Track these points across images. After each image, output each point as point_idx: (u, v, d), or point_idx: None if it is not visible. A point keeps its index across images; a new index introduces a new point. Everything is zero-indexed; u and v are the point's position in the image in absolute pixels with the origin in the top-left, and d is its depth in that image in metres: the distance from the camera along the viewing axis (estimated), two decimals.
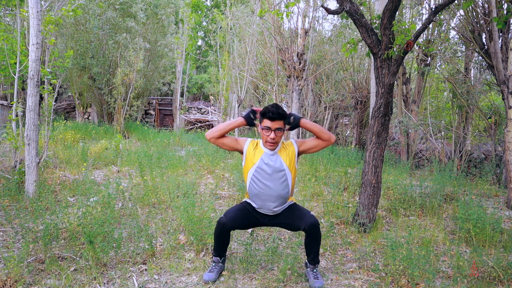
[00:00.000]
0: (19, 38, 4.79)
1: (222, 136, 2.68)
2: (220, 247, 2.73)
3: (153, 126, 16.10)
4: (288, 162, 2.64)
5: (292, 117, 2.64)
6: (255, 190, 2.64)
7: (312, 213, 2.68)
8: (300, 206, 2.76)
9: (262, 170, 2.61)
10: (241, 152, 2.72)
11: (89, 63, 11.75)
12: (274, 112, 2.52)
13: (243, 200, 2.81)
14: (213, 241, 2.80)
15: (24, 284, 2.55)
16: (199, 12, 21.25)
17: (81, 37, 11.59)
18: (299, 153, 2.72)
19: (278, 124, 2.54)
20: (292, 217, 2.69)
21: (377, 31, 3.66)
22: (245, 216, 2.70)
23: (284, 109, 2.67)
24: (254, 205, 2.71)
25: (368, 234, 3.63)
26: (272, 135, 2.55)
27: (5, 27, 5.07)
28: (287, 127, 2.68)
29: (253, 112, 2.65)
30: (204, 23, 22.79)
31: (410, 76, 8.26)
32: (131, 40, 12.01)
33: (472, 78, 7.57)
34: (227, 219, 2.61)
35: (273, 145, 2.60)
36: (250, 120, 2.65)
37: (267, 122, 2.55)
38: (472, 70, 7.87)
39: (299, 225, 2.63)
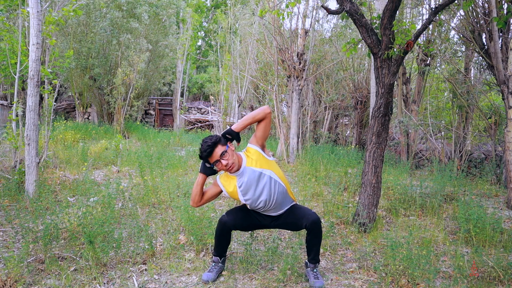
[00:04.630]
0: (20, 38, 4.79)
1: (202, 196, 2.64)
2: (221, 247, 2.73)
3: (153, 126, 16.10)
4: (257, 163, 2.56)
5: (226, 135, 2.55)
6: (258, 209, 2.63)
7: (313, 211, 2.68)
8: (301, 206, 2.76)
9: (247, 191, 2.55)
10: (222, 192, 2.67)
11: (90, 64, 11.77)
12: (205, 149, 2.46)
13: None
14: (213, 241, 2.80)
15: (24, 284, 2.55)
16: (199, 11, 21.24)
17: (84, 38, 11.59)
18: (262, 147, 2.64)
19: (218, 151, 2.47)
20: (293, 217, 2.69)
21: (377, 31, 3.65)
22: (247, 217, 2.70)
23: (212, 135, 2.54)
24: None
25: (368, 234, 3.63)
26: (224, 162, 2.48)
27: (9, 27, 5.06)
28: (234, 144, 2.60)
29: (207, 161, 2.56)
30: (204, 23, 22.78)
31: (410, 76, 8.26)
32: (134, 41, 12.05)
33: (472, 78, 7.57)
34: (228, 218, 2.62)
35: (234, 168, 2.52)
36: (209, 171, 2.59)
37: (211, 159, 2.50)
38: (472, 70, 7.88)
39: (301, 223, 2.63)
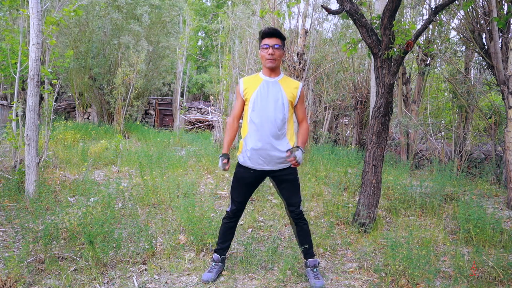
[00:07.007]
0: (21, 38, 4.79)
1: (238, 118, 2.76)
2: (225, 241, 2.77)
3: (153, 126, 16.10)
4: (287, 93, 2.64)
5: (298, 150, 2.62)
6: (253, 122, 2.60)
7: (301, 205, 2.69)
8: (297, 184, 2.69)
9: (260, 95, 2.61)
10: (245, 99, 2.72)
11: (90, 64, 11.77)
12: (270, 28, 2.62)
13: (236, 162, 2.75)
14: (213, 240, 2.80)
15: (24, 284, 2.55)
16: (201, 13, 21.24)
17: (84, 38, 11.59)
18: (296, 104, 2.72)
19: (275, 41, 2.59)
20: (287, 190, 2.67)
21: (377, 31, 3.66)
22: (247, 187, 2.70)
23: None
24: (249, 163, 2.64)
25: (368, 234, 3.63)
26: (271, 50, 2.58)
27: (11, 27, 5.07)
28: (299, 153, 2.60)
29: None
30: (204, 23, 22.78)
31: (410, 76, 8.26)
32: (136, 43, 12.05)
33: (472, 78, 7.57)
34: (235, 203, 2.69)
35: (273, 62, 2.61)
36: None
37: (265, 40, 2.61)
38: (472, 70, 7.87)
39: (287, 203, 2.69)
